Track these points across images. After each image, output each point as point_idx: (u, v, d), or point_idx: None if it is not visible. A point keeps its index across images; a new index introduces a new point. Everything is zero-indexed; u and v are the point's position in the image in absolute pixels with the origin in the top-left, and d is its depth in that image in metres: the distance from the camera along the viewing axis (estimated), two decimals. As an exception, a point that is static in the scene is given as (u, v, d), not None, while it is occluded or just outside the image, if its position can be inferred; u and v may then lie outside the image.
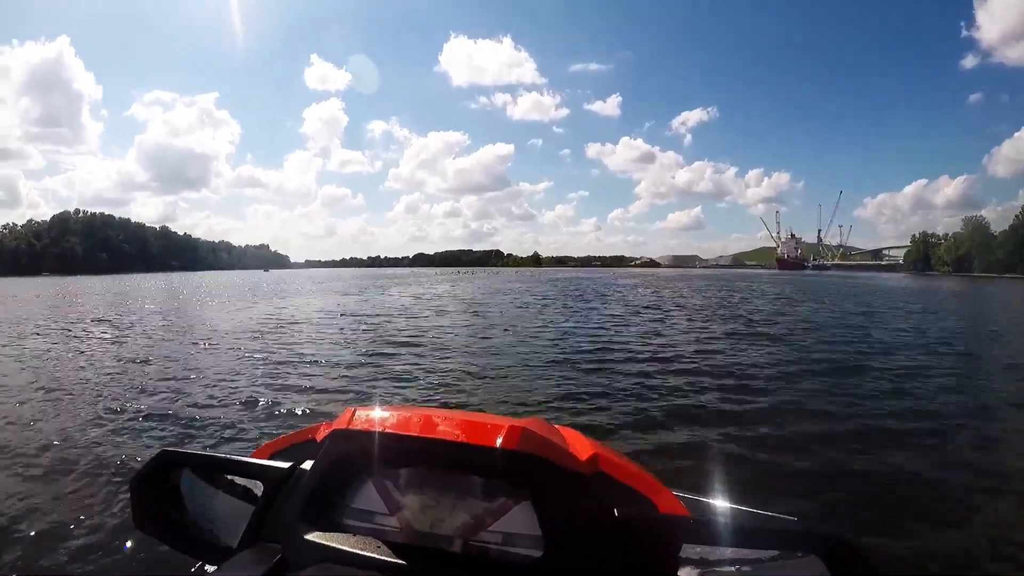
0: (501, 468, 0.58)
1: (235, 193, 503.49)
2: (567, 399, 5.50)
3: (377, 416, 0.62)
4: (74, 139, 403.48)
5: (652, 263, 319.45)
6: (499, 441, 0.56)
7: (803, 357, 8.09)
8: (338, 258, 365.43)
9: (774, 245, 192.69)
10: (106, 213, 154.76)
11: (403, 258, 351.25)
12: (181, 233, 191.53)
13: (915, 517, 2.91)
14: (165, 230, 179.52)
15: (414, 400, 5.59)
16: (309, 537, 0.60)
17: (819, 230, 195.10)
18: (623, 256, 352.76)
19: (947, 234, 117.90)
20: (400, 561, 0.57)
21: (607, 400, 5.42)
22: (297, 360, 7.76)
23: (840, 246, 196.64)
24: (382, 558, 0.57)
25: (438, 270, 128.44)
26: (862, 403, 5.38)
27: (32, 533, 2.63)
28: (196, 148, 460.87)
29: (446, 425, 0.60)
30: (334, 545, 0.59)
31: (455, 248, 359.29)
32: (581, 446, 0.67)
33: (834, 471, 3.54)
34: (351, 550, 0.58)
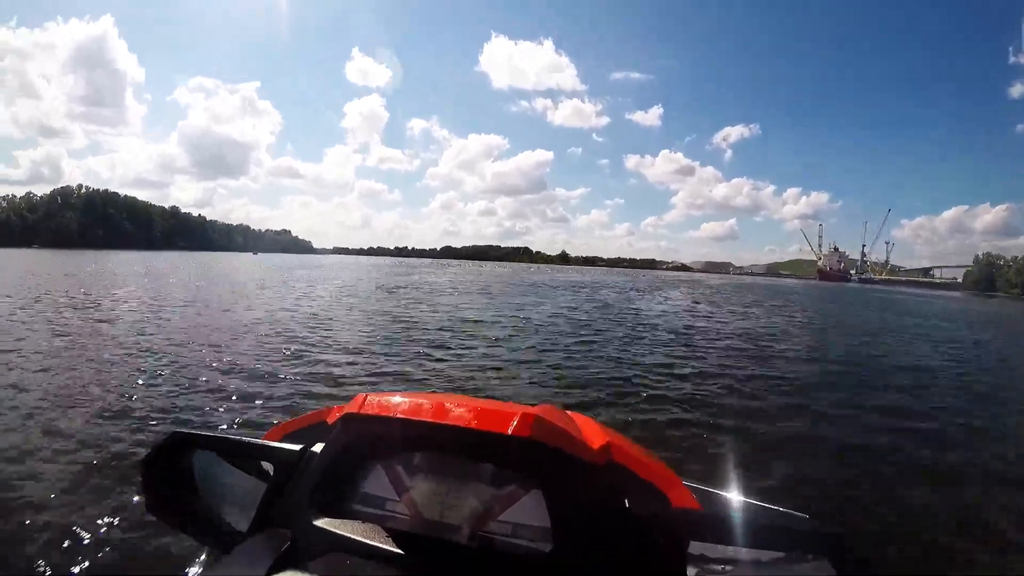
0: (512, 456, 0.57)
1: (273, 183, 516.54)
2: (582, 385, 5.50)
3: (388, 401, 0.61)
4: (117, 120, 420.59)
5: (684, 267, 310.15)
6: (511, 428, 0.55)
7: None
8: (366, 247, 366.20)
9: (810, 257, 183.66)
10: (110, 191, 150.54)
11: (431, 250, 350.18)
12: (196, 214, 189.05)
13: (931, 525, 2.85)
14: (175, 209, 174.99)
15: (429, 380, 5.49)
16: (319, 523, 0.59)
17: (863, 245, 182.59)
18: (654, 260, 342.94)
19: (1016, 256, 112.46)
20: (409, 551, 0.56)
21: (625, 389, 5.34)
22: (310, 341, 7.50)
23: (887, 263, 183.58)
24: (391, 548, 0.56)
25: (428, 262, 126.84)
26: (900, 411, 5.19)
27: (41, 510, 2.61)
28: (237, 136, 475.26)
29: (458, 411, 0.58)
30: (343, 533, 0.58)
31: (484, 244, 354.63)
32: (594, 434, 0.65)
33: (857, 474, 3.45)
34: (360, 538, 0.57)
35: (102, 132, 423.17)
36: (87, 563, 2.22)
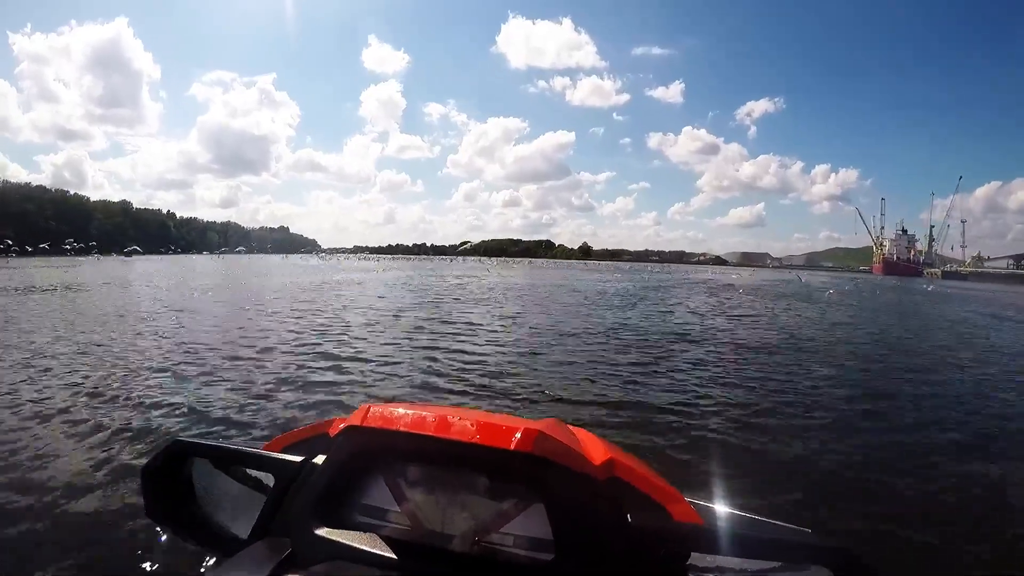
0: (515, 471, 0.57)
1: (295, 177, 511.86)
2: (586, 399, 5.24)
3: (391, 413, 0.60)
4: (135, 120, 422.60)
5: (719, 260, 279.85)
6: (513, 443, 0.55)
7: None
8: (385, 244, 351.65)
9: (853, 245, 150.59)
10: (34, 184, 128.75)
11: (450, 247, 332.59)
12: (167, 212, 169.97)
13: (937, 538, 2.77)
14: (125, 204, 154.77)
15: (432, 387, 5.37)
16: (319, 533, 0.59)
17: (931, 227, 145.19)
18: (684, 252, 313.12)
19: None
20: (409, 561, 0.56)
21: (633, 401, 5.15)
22: (316, 347, 7.46)
23: (965, 248, 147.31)
24: (391, 556, 0.56)
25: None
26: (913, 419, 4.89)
27: (39, 517, 2.63)
28: (256, 130, 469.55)
29: (461, 425, 0.57)
30: (343, 542, 0.58)
31: (505, 238, 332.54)
32: (596, 450, 0.65)
33: (860, 486, 3.37)
34: (360, 547, 0.57)
35: (121, 133, 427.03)
36: (88, 566, 2.25)
